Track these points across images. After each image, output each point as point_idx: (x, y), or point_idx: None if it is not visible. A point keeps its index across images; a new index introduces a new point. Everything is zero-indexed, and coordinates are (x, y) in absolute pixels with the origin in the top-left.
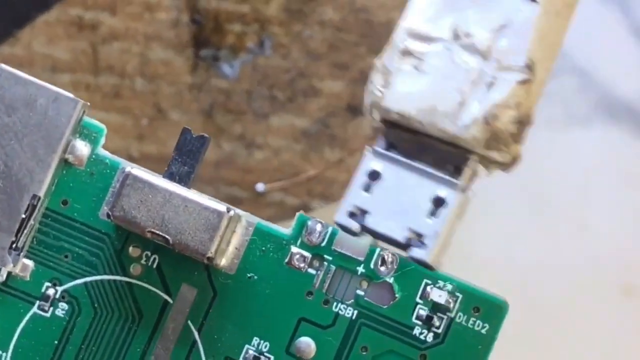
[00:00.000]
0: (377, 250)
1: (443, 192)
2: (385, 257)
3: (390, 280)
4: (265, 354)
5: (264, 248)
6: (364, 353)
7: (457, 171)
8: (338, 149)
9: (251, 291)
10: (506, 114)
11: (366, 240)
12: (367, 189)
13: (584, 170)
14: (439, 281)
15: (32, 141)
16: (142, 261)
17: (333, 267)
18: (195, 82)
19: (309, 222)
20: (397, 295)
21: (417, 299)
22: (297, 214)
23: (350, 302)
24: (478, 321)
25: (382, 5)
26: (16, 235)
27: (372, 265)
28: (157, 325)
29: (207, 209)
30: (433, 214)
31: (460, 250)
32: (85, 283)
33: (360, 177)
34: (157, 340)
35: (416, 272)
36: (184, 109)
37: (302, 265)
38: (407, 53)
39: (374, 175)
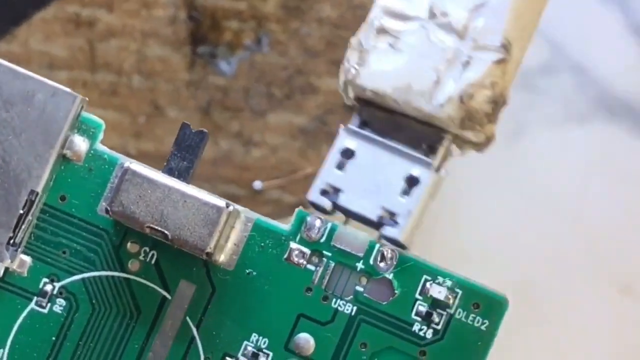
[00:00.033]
0: (377, 246)
1: (417, 171)
2: (385, 253)
3: (390, 276)
4: (264, 350)
5: (262, 244)
6: (363, 349)
7: (431, 151)
8: None
9: (250, 287)
10: (481, 93)
11: (365, 236)
12: (340, 167)
13: (582, 168)
14: (439, 277)
15: (30, 136)
16: (141, 257)
17: (332, 263)
18: (192, 79)
19: (308, 218)
20: (396, 292)
21: (417, 295)
22: (296, 209)
23: (349, 298)
24: (478, 317)
25: None
26: (14, 231)
27: (371, 261)
28: (156, 321)
29: (206, 205)
30: (406, 192)
31: (457, 248)
32: (83, 279)
33: (333, 155)
34: (155, 336)
35: (416, 268)
36: (181, 106)
37: (301, 261)
38: (382, 31)
39: (348, 154)
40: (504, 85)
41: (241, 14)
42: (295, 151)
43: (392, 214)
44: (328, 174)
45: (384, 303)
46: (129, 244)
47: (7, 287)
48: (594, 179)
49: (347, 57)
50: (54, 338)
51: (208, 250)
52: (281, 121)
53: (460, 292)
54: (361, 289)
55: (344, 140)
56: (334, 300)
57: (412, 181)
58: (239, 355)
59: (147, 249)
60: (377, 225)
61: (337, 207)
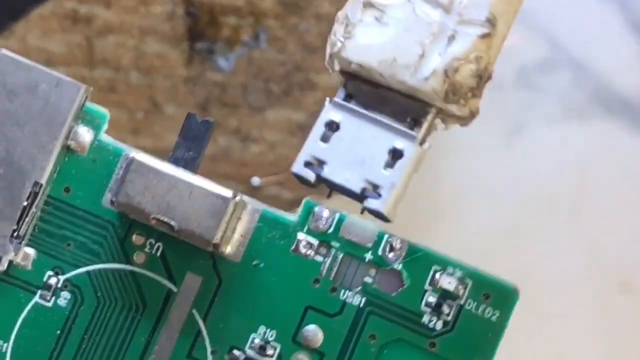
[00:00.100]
0: (386, 236)
1: (400, 143)
2: (394, 243)
3: (399, 267)
4: (272, 342)
5: (269, 235)
6: (372, 341)
7: (415, 124)
8: None
9: (257, 279)
10: (466, 67)
11: (374, 226)
12: (325, 139)
13: (580, 165)
14: (449, 267)
15: (34, 127)
16: (146, 249)
17: (340, 254)
18: (190, 75)
19: (316, 209)
20: (405, 283)
21: (426, 286)
22: (304, 199)
23: (357, 289)
24: (488, 308)
25: None
26: (18, 224)
27: (380, 252)
28: (161, 314)
29: (212, 195)
30: (390, 165)
31: (457, 246)
32: (88, 272)
33: (318, 128)
34: (161, 329)
35: (425, 259)
36: (179, 102)
37: (308, 252)
38: (369, 5)
39: (333, 126)
40: (489, 59)
41: (239, 10)
42: (293, 147)
43: (375, 187)
44: (312, 146)
45: (393, 294)
46: (134, 236)
47: (11, 280)
48: (592, 176)
49: (333, 30)
50: (58, 332)
51: (215, 241)
52: (279, 117)
53: (470, 282)
54: (370, 280)
55: (329, 112)
56: (343, 291)
57: (396, 154)
58: (246, 347)
59: (153, 240)
60: (360, 197)
61: (320, 179)
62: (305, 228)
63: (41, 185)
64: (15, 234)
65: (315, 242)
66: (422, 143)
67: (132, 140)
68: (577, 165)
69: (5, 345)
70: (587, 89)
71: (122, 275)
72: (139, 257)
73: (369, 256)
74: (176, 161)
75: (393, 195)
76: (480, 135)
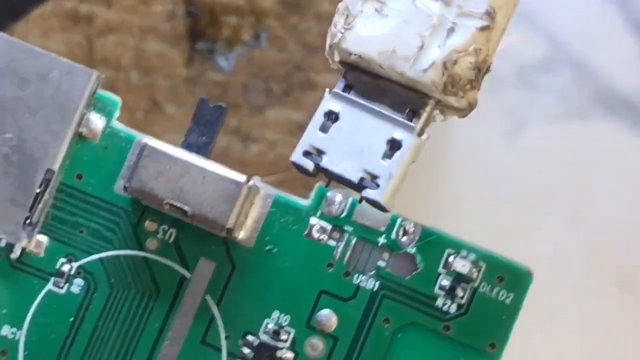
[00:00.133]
0: (399, 220)
1: (399, 134)
2: (407, 227)
3: (412, 250)
4: (286, 327)
5: (282, 220)
6: (386, 325)
7: (414, 115)
8: None
9: (270, 264)
10: (465, 59)
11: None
12: (324, 129)
13: (581, 164)
14: (462, 250)
15: (46, 115)
16: (159, 235)
17: (354, 239)
18: (190, 75)
19: (329, 193)
20: (419, 266)
21: (440, 269)
22: (317, 184)
23: (371, 273)
24: (502, 291)
25: None
26: (30, 211)
27: (393, 236)
28: (175, 300)
29: (226, 179)
30: (388, 156)
31: None
32: (101, 259)
33: (318, 118)
34: (174, 315)
35: (439, 242)
36: (180, 102)
37: (322, 236)
38: None
39: (332, 116)
40: (488, 52)
41: (239, 10)
42: (293, 147)
43: (373, 177)
44: (311, 136)
45: (407, 278)
46: (147, 222)
47: (24, 267)
48: (593, 175)
49: (334, 21)
50: (71, 319)
51: (229, 225)
52: (280, 117)
53: (484, 265)
54: (383, 264)
55: (328, 102)
56: (356, 275)
57: (394, 145)
58: (260, 333)
59: (166, 227)
60: (358, 187)
61: (319, 168)
62: (318, 213)
63: (53, 172)
64: (28, 221)
65: (328, 226)
66: (420, 134)
67: None
68: (577, 165)
69: (19, 332)
70: (587, 88)
71: (135, 262)
72: (152, 244)
73: (382, 240)
74: (189, 146)
75: (391, 185)
76: (481, 135)
